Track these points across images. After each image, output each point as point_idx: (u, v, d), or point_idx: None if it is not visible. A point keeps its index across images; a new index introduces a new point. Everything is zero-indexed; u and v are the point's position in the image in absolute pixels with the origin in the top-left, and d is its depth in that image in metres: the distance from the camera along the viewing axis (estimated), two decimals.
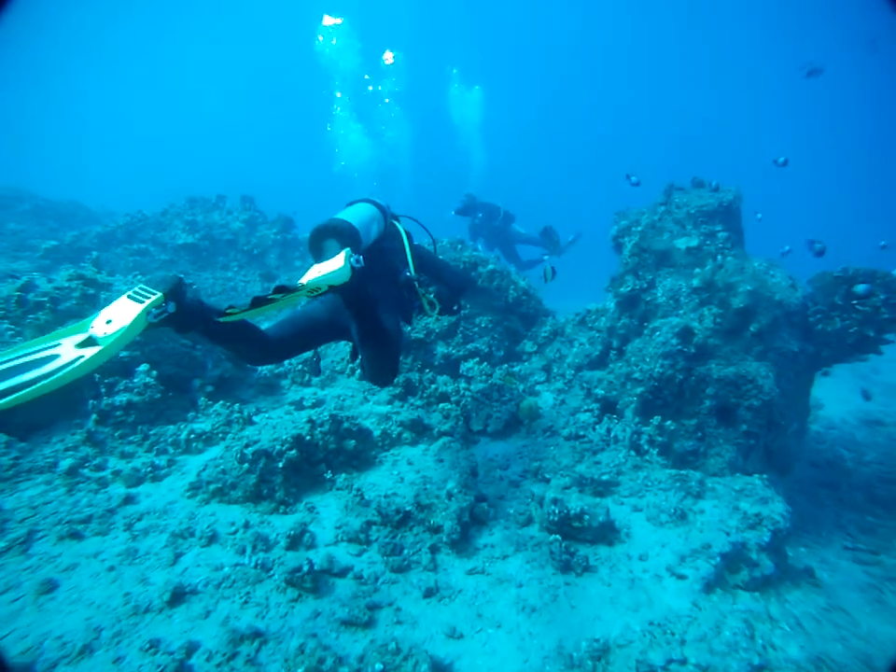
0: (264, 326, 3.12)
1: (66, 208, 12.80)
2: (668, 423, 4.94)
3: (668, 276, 5.68)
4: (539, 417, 5.34)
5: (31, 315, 4.54)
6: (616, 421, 5.16)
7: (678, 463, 4.85)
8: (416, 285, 3.72)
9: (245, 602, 2.97)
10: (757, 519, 3.85)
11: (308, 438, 4.28)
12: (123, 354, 4.61)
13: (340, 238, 3.09)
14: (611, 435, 4.95)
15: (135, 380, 4.50)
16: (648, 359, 5.20)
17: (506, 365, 6.11)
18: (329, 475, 4.25)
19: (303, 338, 3.32)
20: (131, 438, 4.38)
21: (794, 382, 5.53)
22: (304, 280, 2.50)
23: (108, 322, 2.25)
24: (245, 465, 3.92)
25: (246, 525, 3.63)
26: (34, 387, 1.95)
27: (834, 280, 5.65)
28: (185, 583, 3.03)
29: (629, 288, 5.74)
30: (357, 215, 3.34)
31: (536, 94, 53.15)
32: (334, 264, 2.52)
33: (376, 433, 4.82)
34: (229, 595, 3.01)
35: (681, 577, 3.26)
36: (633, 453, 4.75)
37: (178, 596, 2.93)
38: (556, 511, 3.58)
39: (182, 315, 2.53)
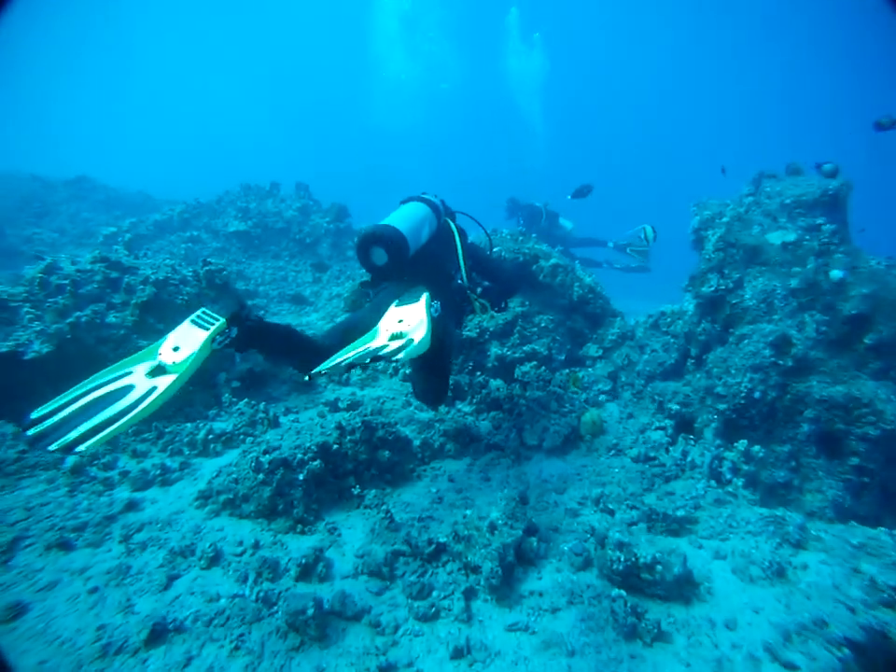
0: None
1: (134, 198, 12.96)
2: (756, 448, 4.15)
3: (759, 275, 4.85)
4: (603, 433, 4.65)
5: (50, 299, 4.23)
6: (693, 442, 4.41)
7: (766, 497, 4.07)
8: (468, 292, 3.79)
9: (236, 648, 2.46)
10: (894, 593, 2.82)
11: (336, 447, 3.79)
12: (144, 342, 4.24)
13: (387, 247, 3.09)
14: (687, 459, 4.21)
15: None
16: (733, 372, 4.42)
17: (567, 370, 5.43)
18: (356, 490, 3.73)
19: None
20: (145, 435, 4.02)
21: None
22: (379, 342, 2.47)
23: (176, 349, 2.33)
24: (261, 475, 3.44)
25: (256, 546, 3.17)
26: (117, 425, 2.01)
27: None
28: (171, 617, 2.56)
29: (712, 288, 4.95)
30: (406, 218, 3.31)
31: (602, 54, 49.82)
32: (417, 334, 2.46)
33: (416, 443, 4.27)
34: (219, 636, 2.52)
35: (790, 667, 2.51)
36: (713, 482, 4.00)
37: (159, 634, 2.46)
38: (622, 559, 2.91)
39: (244, 339, 2.64)
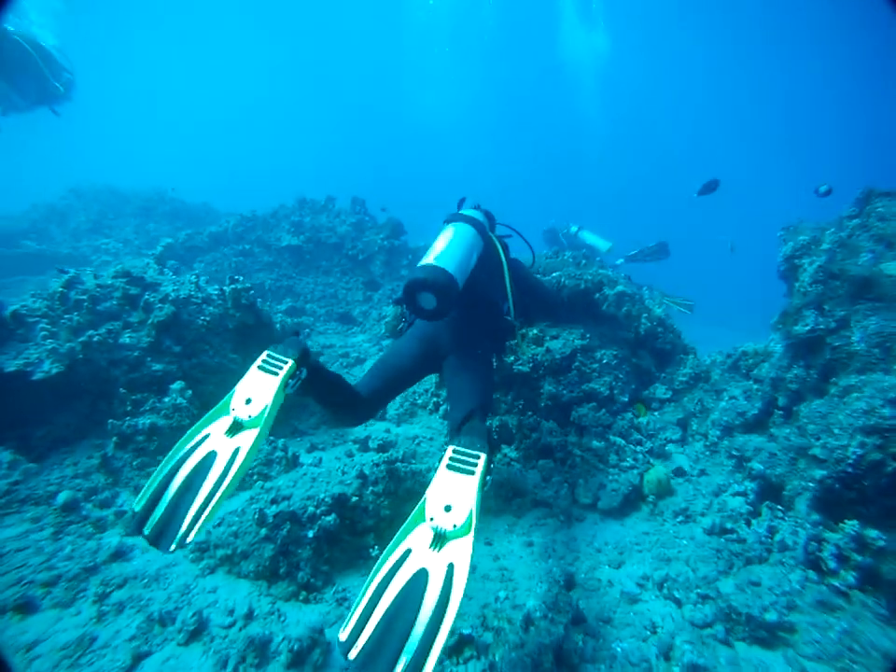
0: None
1: (197, 210, 13.05)
2: (874, 534, 3.28)
3: (872, 314, 3.99)
4: (670, 493, 3.90)
5: (66, 316, 3.89)
6: (781, 514, 3.60)
7: (893, 604, 3.13)
8: (516, 326, 3.59)
9: None
10: None
11: (355, 499, 3.25)
12: (157, 367, 3.84)
13: (436, 292, 2.92)
14: (776, 538, 3.41)
15: (165, 399, 3.70)
16: (837, 432, 3.58)
17: (630, 414, 4.70)
18: (375, 551, 3.17)
19: (393, 388, 3.26)
20: (150, 469, 3.58)
21: None
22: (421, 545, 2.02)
23: (248, 402, 2.15)
24: (264, 530, 2.95)
25: (249, 616, 2.67)
26: (216, 500, 1.90)
27: None
28: None
29: (808, 328, 4.13)
30: (455, 252, 3.10)
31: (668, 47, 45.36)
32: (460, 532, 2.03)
33: None
34: None
35: None
36: (813, 574, 3.18)
37: None
38: None
39: (315, 380, 2.52)
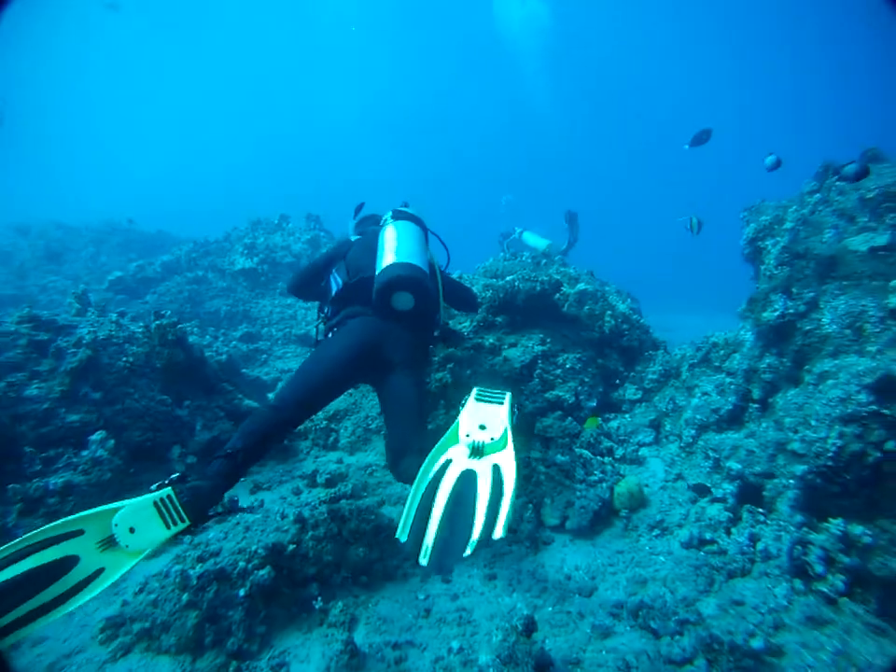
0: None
1: (153, 239, 12.65)
2: (859, 530, 3.04)
3: (841, 293, 3.78)
4: (644, 505, 3.64)
5: None
6: (763, 518, 3.35)
7: (889, 602, 2.87)
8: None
9: None
10: None
11: (292, 547, 2.94)
12: (74, 417, 3.51)
13: (416, 291, 2.89)
14: (758, 547, 3.16)
15: (83, 453, 3.37)
16: (814, 423, 3.35)
17: (600, 419, 4.43)
18: (318, 604, 2.86)
19: (319, 401, 2.91)
20: None
21: None
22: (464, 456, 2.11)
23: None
24: (187, 595, 2.62)
25: None
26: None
27: None
28: None
29: (778, 313, 3.91)
30: (418, 252, 3.05)
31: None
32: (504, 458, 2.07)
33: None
34: None
35: None
36: (799, 584, 2.93)
37: None
38: None
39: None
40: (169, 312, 4.39)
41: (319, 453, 4.39)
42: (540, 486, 3.70)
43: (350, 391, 4.72)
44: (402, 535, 1.84)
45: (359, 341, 2.91)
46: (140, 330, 4.13)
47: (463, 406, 2.35)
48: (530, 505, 3.58)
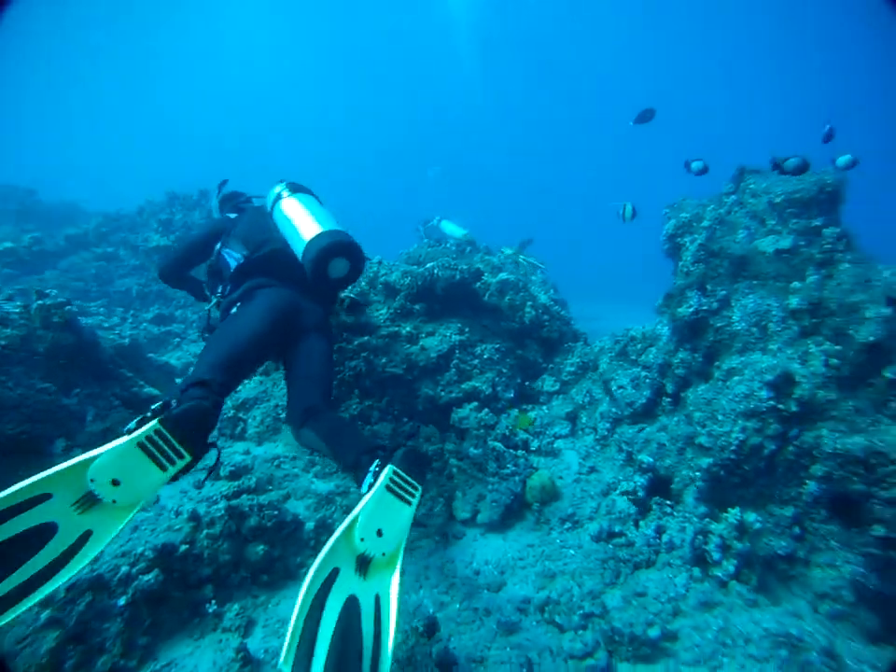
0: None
1: (58, 210, 11.70)
2: (752, 518, 3.21)
3: (750, 292, 3.94)
4: (557, 498, 3.67)
5: None
6: (670, 510, 3.45)
7: (764, 576, 3.18)
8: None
9: None
10: None
11: (185, 547, 2.78)
12: None
13: (352, 257, 2.88)
14: (663, 538, 3.25)
15: None
16: (721, 418, 3.48)
17: (516, 410, 4.44)
18: (212, 607, 2.70)
19: (241, 373, 2.61)
20: None
21: None
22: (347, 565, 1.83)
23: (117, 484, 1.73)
24: (48, 612, 2.38)
25: None
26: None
27: None
28: None
29: (692, 309, 4.03)
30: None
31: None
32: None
33: (309, 525, 3.25)
34: None
35: None
36: (696, 572, 3.06)
37: None
38: None
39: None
40: (55, 291, 4.02)
41: (225, 443, 4.18)
42: (452, 479, 3.67)
43: (261, 378, 4.53)
44: (286, 666, 1.54)
45: (277, 307, 2.84)
46: (17, 311, 3.76)
47: (366, 489, 2.02)
48: (441, 499, 3.55)
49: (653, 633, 2.59)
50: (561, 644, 2.58)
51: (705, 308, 4.03)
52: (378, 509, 1.92)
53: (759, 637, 2.63)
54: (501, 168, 49.26)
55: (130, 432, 1.78)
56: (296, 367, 2.87)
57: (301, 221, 2.96)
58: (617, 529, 3.35)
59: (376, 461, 2.09)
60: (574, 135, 49.60)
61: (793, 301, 3.64)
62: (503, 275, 5.02)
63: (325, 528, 3.28)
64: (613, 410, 4.23)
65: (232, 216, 3.59)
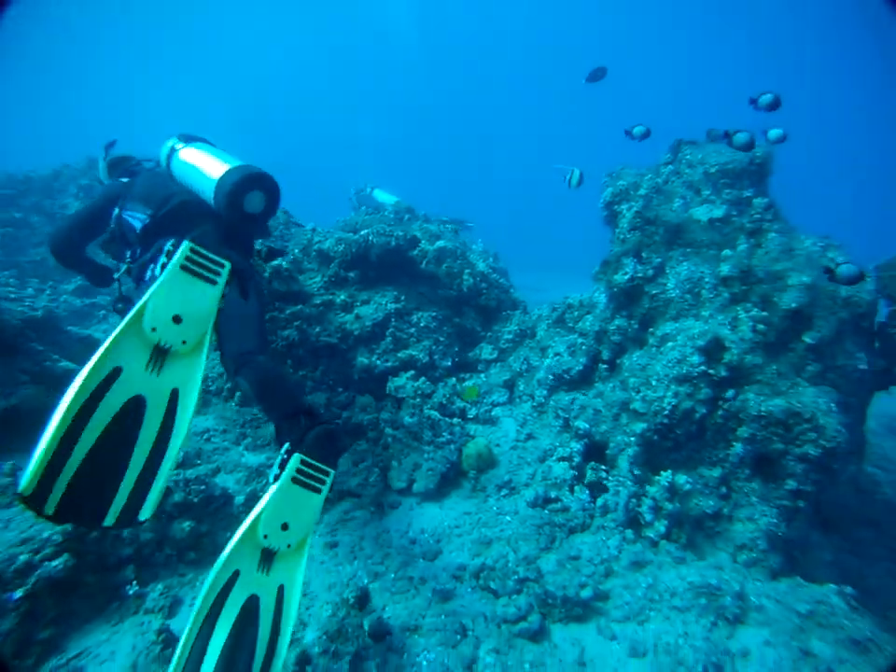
0: None
1: None
2: (682, 480, 3.33)
3: (684, 259, 4.01)
4: (493, 466, 3.68)
5: None
6: (605, 474, 3.52)
7: (693, 533, 3.34)
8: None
9: None
10: None
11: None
12: None
13: (269, 191, 2.69)
14: (598, 503, 3.32)
15: None
16: (654, 383, 3.56)
17: (453, 380, 4.41)
18: (133, 588, 2.57)
19: None
20: None
21: (857, 410, 3.94)
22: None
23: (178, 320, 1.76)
24: None
25: None
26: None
27: None
28: None
29: (628, 276, 4.07)
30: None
31: None
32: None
33: (239, 499, 3.15)
34: None
35: None
36: (629, 533, 3.15)
37: None
38: None
39: None
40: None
41: None
42: (388, 449, 3.63)
43: None
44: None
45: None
46: None
47: (272, 480, 1.95)
48: (376, 468, 3.50)
49: (585, 594, 2.65)
50: (495, 609, 2.60)
51: (640, 275, 4.08)
52: (283, 503, 1.87)
53: (683, 591, 2.77)
54: (441, 138, 48.72)
55: (169, 255, 1.82)
56: (227, 312, 2.71)
57: (206, 163, 2.76)
58: (553, 495, 3.40)
59: (286, 445, 2.01)
60: (517, 104, 49.63)
61: (724, 269, 3.74)
62: (441, 243, 4.93)
63: (255, 501, 3.17)
64: (550, 377, 4.27)
65: (125, 179, 3.27)
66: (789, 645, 2.52)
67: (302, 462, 1.91)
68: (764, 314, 3.55)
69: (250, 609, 1.72)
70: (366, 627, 2.35)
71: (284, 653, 1.71)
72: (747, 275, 3.70)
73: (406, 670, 2.29)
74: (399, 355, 4.22)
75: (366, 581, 2.80)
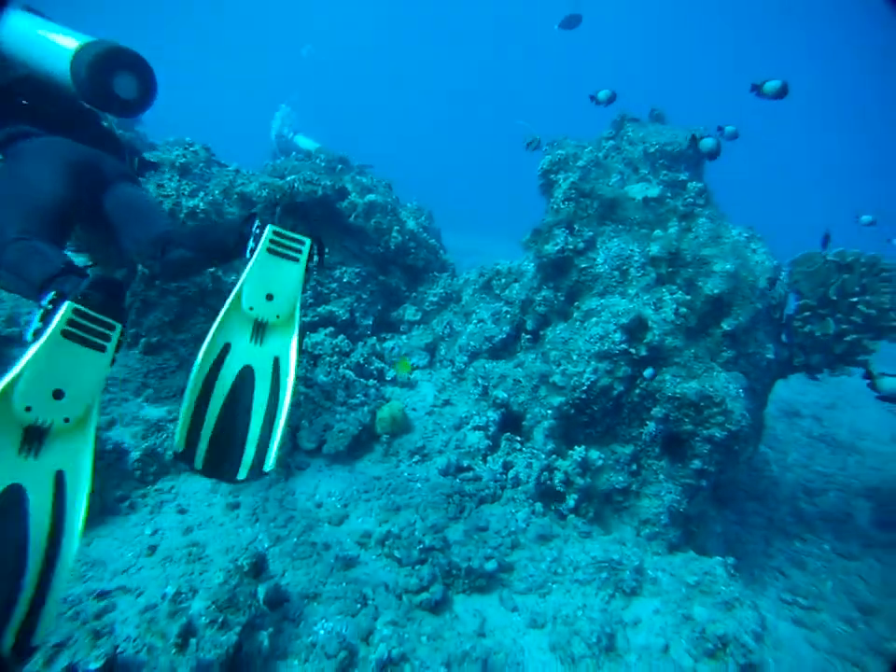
0: None
1: None
2: (595, 455, 3.41)
3: (615, 235, 4.02)
4: (408, 431, 3.61)
5: None
6: (519, 446, 3.53)
7: (601, 508, 3.46)
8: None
9: None
10: (720, 643, 2.49)
11: None
12: None
13: (142, 75, 2.37)
14: (510, 474, 3.33)
15: None
16: (575, 358, 3.58)
17: (374, 339, 4.29)
18: None
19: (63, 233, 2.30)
20: None
21: (761, 396, 4.15)
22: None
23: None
24: None
25: None
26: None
27: (827, 267, 4.23)
28: None
29: (558, 247, 4.03)
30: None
31: None
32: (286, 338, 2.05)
33: (134, 455, 2.92)
34: None
35: None
36: (540, 506, 3.19)
37: None
38: None
39: None
40: None
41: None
42: (299, 408, 3.48)
43: None
44: (179, 445, 1.75)
45: (70, 160, 2.34)
46: None
47: (250, 255, 2.03)
48: (285, 427, 3.33)
49: (490, 566, 2.65)
50: (398, 579, 2.56)
51: (570, 247, 4.06)
52: (263, 273, 1.99)
53: (586, 565, 2.84)
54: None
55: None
56: (121, 211, 2.44)
57: (54, 32, 2.34)
58: (465, 464, 3.38)
59: (256, 221, 2.11)
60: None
61: (654, 249, 3.77)
62: (372, 197, 4.72)
63: (153, 457, 2.98)
64: (472, 344, 4.23)
65: None
66: (675, 612, 2.67)
67: (275, 233, 2.03)
68: (688, 297, 3.63)
69: (245, 378, 1.89)
70: (261, 595, 2.25)
71: (285, 417, 1.88)
72: (675, 258, 3.76)
73: (302, 639, 2.21)
74: (319, 310, 4.05)
75: (267, 546, 2.69)
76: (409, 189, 7.07)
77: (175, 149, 4.52)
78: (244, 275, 1.97)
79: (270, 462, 1.81)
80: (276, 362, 1.93)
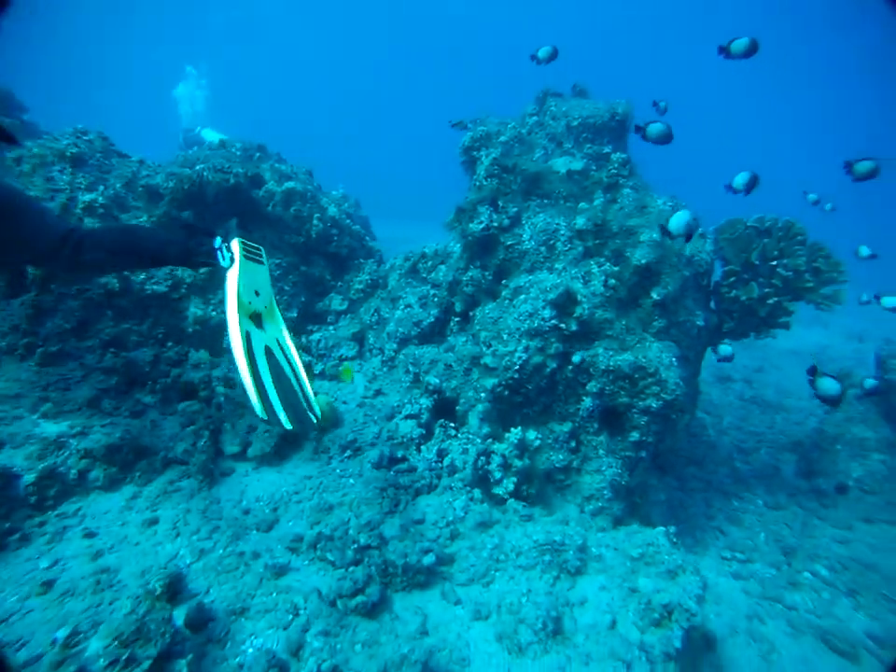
0: None
1: None
2: (532, 436, 3.35)
3: (541, 210, 3.96)
4: (337, 425, 3.46)
5: None
6: (454, 432, 3.44)
7: (543, 487, 3.42)
8: None
9: None
10: (665, 612, 2.48)
11: None
12: None
13: None
14: (445, 462, 3.23)
15: None
16: (506, 337, 3.50)
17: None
18: None
19: None
20: None
21: (694, 363, 4.20)
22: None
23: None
24: None
25: None
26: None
27: (748, 232, 4.31)
28: None
29: (483, 225, 3.94)
30: None
31: None
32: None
33: (28, 478, 2.63)
34: None
35: None
36: (478, 493, 3.11)
37: None
38: None
39: None
40: None
41: None
42: (221, 410, 3.28)
43: None
44: (263, 413, 2.21)
45: None
46: None
47: (229, 263, 2.49)
48: (206, 431, 3.15)
49: (428, 560, 2.55)
50: (331, 583, 2.42)
51: (496, 224, 3.97)
52: (248, 275, 2.50)
53: (528, 549, 2.77)
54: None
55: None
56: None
57: None
58: (399, 455, 3.27)
59: (217, 238, 2.52)
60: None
61: (580, 222, 3.73)
62: (290, 184, 4.49)
63: (53, 478, 2.70)
64: (401, 330, 4.10)
65: None
66: (621, 587, 2.66)
67: (244, 244, 2.56)
68: (616, 268, 3.61)
69: (270, 354, 2.47)
70: (180, 619, 2.07)
71: (306, 378, 2.61)
72: (601, 229, 3.73)
73: (228, 661, 2.04)
74: None
75: (189, 562, 2.50)
76: (343, 180, 6.86)
77: (64, 138, 4.15)
78: (237, 279, 2.45)
79: (317, 410, 2.48)
80: (278, 341, 2.58)
